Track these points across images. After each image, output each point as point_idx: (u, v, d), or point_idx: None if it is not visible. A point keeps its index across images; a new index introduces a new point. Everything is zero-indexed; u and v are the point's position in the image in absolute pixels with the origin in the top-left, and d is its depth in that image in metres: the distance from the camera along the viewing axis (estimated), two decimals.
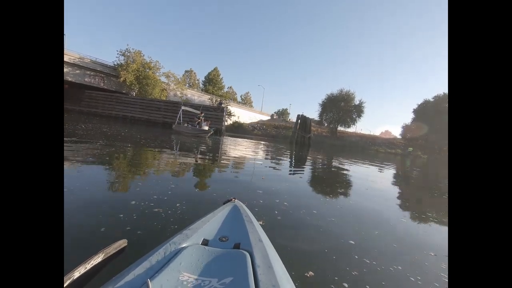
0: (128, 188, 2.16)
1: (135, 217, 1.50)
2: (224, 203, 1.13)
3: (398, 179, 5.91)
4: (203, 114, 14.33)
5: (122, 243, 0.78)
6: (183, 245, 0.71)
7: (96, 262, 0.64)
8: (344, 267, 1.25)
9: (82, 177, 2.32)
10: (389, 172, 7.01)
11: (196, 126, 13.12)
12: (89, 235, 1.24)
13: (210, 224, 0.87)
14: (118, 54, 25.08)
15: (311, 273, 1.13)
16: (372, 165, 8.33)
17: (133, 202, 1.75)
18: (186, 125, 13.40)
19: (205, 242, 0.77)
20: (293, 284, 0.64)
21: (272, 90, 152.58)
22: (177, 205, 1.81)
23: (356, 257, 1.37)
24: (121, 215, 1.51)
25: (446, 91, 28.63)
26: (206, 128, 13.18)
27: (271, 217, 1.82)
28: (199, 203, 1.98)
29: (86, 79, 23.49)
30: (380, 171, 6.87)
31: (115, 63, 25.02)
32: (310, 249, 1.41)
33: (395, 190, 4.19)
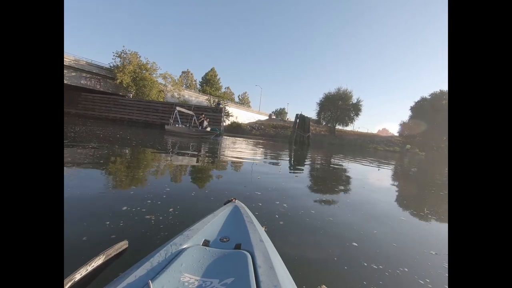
0: (119, 192, 2.11)
1: (121, 224, 1.45)
2: (224, 204, 1.12)
3: (396, 177, 5.90)
4: (204, 115, 14.10)
5: (123, 244, 0.76)
6: (184, 246, 0.71)
7: (97, 264, 0.63)
8: (358, 279, 1.19)
9: (72, 181, 2.27)
10: (387, 170, 7.01)
11: (199, 127, 12.85)
12: (74, 243, 1.20)
13: (211, 225, 0.87)
14: (114, 55, 25.02)
15: (324, 286, 1.08)
16: (371, 163, 8.35)
17: (125, 208, 1.71)
18: (179, 125, 12.93)
19: (206, 243, 0.77)
20: (294, 284, 0.63)
21: (269, 90, 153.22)
22: (170, 210, 1.76)
23: (365, 264, 1.33)
24: (107, 222, 1.46)
25: (442, 88, 28.92)
26: (209, 129, 12.93)
27: (273, 222, 1.78)
28: (195, 207, 1.93)
29: (82, 82, 23.35)
30: (378, 169, 6.88)
31: (111, 65, 24.92)
32: (318, 258, 1.35)
33: (393, 187, 4.18)
